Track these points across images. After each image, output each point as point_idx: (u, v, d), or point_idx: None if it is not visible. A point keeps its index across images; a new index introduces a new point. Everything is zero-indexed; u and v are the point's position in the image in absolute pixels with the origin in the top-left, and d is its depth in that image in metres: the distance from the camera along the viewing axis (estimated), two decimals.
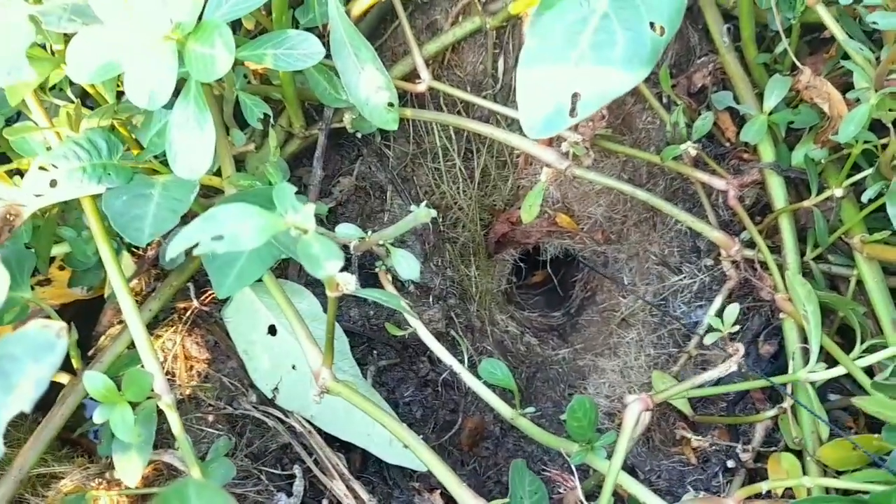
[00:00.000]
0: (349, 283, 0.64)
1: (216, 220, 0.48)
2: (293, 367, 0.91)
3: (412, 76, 1.02)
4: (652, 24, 0.67)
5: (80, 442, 1.06)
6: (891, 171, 0.83)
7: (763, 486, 0.67)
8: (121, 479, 0.94)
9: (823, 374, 0.67)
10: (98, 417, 0.68)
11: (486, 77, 1.10)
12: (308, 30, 0.81)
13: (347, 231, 0.80)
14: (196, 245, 0.48)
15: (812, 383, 0.79)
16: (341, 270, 0.58)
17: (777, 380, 0.77)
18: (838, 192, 0.85)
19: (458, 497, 0.67)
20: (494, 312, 1.20)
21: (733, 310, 0.81)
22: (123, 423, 0.67)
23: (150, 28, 0.66)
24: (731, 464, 0.96)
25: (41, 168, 0.73)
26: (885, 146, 0.84)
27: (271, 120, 0.91)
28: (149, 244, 0.99)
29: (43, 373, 0.51)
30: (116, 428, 0.67)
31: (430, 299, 1.05)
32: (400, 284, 1.00)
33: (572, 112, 0.67)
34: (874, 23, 0.71)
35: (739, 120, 1.04)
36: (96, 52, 0.68)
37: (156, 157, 0.82)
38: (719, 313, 0.93)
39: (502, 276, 1.27)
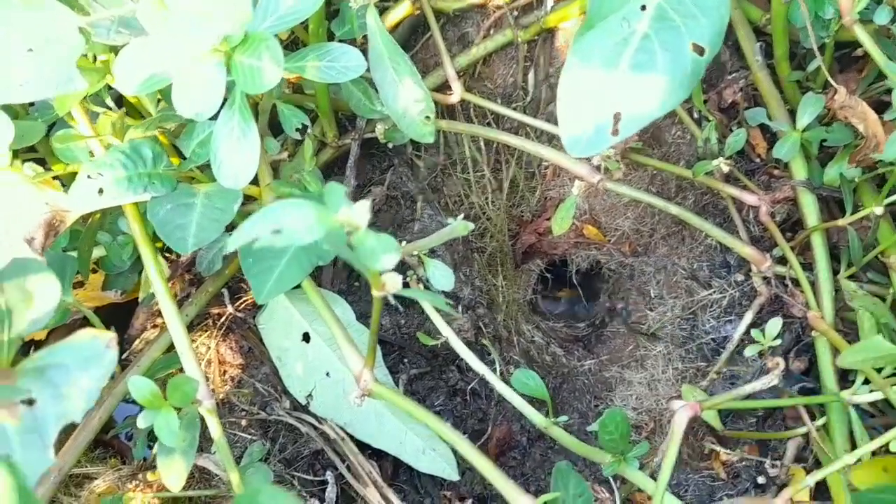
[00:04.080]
0: (396, 282, 0.64)
1: (274, 215, 0.49)
2: (327, 375, 0.92)
3: (443, 88, 1.03)
4: (692, 45, 0.68)
5: (112, 443, 1.08)
6: None
7: (810, 480, 0.68)
8: (153, 482, 0.96)
9: (868, 396, 0.67)
10: (142, 422, 0.69)
11: (517, 90, 1.11)
12: (343, 42, 0.82)
13: None
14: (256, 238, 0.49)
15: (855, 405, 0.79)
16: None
17: (818, 399, 0.78)
18: (878, 211, 0.85)
19: (506, 493, 0.67)
20: (521, 322, 1.20)
21: (776, 323, 0.82)
22: (168, 428, 0.68)
23: (197, 40, 0.68)
24: (761, 480, 0.96)
25: (89, 176, 0.74)
26: None
27: (309, 128, 0.92)
28: None
29: (93, 384, 0.52)
30: (161, 433, 0.68)
31: (460, 309, 1.06)
32: None
33: (614, 131, 0.68)
34: None
35: (770, 137, 1.04)
36: (144, 64, 0.70)
37: (197, 166, 0.83)
38: (750, 328, 0.93)
39: (528, 286, 1.28)
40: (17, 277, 0.52)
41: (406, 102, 0.88)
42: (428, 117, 0.89)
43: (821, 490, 0.90)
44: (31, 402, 0.50)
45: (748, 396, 0.73)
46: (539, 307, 1.32)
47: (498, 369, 0.88)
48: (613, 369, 1.15)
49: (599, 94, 0.68)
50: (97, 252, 0.99)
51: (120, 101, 0.94)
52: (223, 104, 0.72)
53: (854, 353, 0.66)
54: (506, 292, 1.19)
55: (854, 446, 0.82)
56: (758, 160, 1.05)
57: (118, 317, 1.04)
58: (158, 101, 0.93)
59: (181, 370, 0.83)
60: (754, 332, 0.85)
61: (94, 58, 0.82)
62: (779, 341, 0.84)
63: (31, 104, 0.93)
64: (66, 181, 0.87)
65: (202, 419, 0.78)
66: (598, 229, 1.20)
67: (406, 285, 0.97)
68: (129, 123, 0.84)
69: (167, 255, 1.03)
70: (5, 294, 0.52)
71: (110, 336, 0.53)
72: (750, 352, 0.85)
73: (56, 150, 0.82)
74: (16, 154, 0.91)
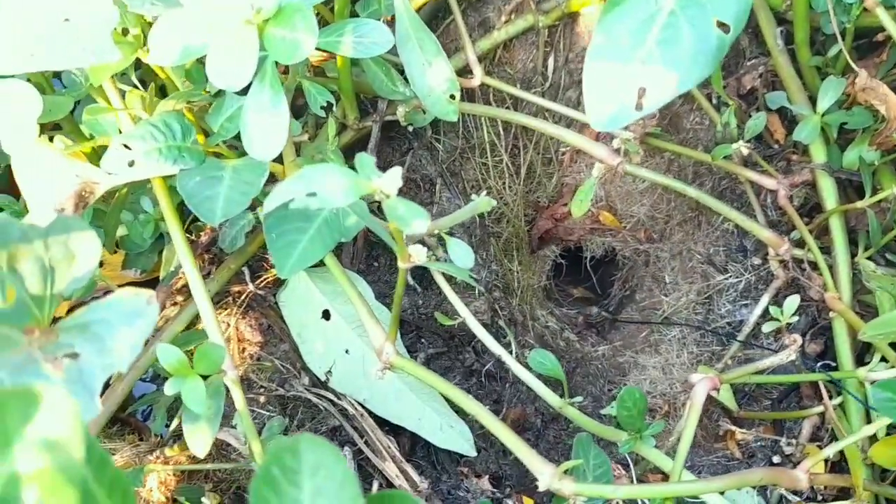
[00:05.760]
0: (421, 254, 0.66)
1: (310, 178, 0.51)
2: (346, 352, 0.93)
3: (463, 72, 1.04)
4: (717, 22, 0.68)
5: (129, 421, 1.09)
6: None
7: (828, 451, 0.68)
8: (171, 457, 0.97)
9: (884, 373, 0.68)
10: (169, 389, 0.69)
11: (536, 75, 1.11)
12: None
13: None
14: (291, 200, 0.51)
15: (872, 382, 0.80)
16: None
17: (837, 375, 0.79)
18: None
19: (529, 462, 0.68)
20: (535, 307, 1.21)
21: (794, 300, 0.83)
22: (195, 395, 0.69)
23: (231, 12, 0.69)
24: (776, 459, 0.96)
25: (120, 148, 0.75)
26: None
27: (333, 108, 0.93)
28: (201, 231, 1.01)
29: (136, 337, 0.53)
30: (188, 399, 0.69)
31: (476, 291, 1.06)
32: (448, 276, 1.02)
33: (638, 106, 0.69)
34: None
35: (788, 122, 1.05)
36: (178, 36, 0.70)
37: (224, 141, 0.84)
38: (766, 312, 0.94)
39: (543, 272, 1.29)
40: (61, 234, 0.53)
41: (432, 80, 0.89)
42: (453, 96, 0.90)
43: (834, 472, 0.91)
44: (74, 356, 0.50)
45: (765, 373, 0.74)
46: (553, 294, 1.33)
47: (514, 351, 0.89)
48: (627, 354, 1.16)
49: (625, 70, 0.68)
50: (118, 231, 1.00)
51: (144, 83, 0.95)
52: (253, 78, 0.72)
53: (876, 326, 0.67)
54: (521, 277, 1.20)
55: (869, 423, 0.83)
56: (776, 146, 1.05)
57: None
58: (183, 83, 0.94)
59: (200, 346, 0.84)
60: (772, 310, 0.86)
61: (126, 31, 0.83)
62: (796, 318, 0.84)
63: (59, 81, 0.94)
64: (90, 159, 0.88)
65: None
66: (614, 216, 1.21)
67: (421, 268, 0.98)
68: (156, 100, 0.85)
69: (186, 235, 1.04)
70: (50, 251, 0.52)
71: (150, 293, 0.53)
72: (768, 328, 0.86)
73: (85, 122, 0.83)
74: (42, 129, 0.93)
